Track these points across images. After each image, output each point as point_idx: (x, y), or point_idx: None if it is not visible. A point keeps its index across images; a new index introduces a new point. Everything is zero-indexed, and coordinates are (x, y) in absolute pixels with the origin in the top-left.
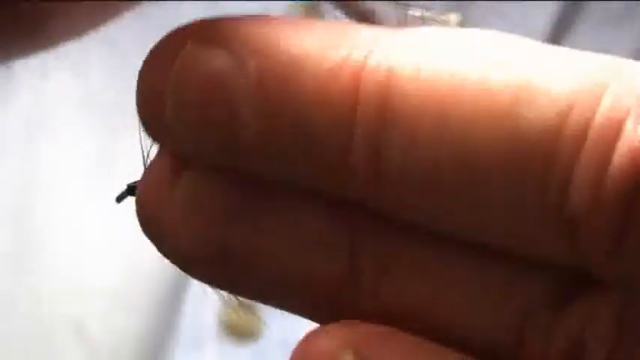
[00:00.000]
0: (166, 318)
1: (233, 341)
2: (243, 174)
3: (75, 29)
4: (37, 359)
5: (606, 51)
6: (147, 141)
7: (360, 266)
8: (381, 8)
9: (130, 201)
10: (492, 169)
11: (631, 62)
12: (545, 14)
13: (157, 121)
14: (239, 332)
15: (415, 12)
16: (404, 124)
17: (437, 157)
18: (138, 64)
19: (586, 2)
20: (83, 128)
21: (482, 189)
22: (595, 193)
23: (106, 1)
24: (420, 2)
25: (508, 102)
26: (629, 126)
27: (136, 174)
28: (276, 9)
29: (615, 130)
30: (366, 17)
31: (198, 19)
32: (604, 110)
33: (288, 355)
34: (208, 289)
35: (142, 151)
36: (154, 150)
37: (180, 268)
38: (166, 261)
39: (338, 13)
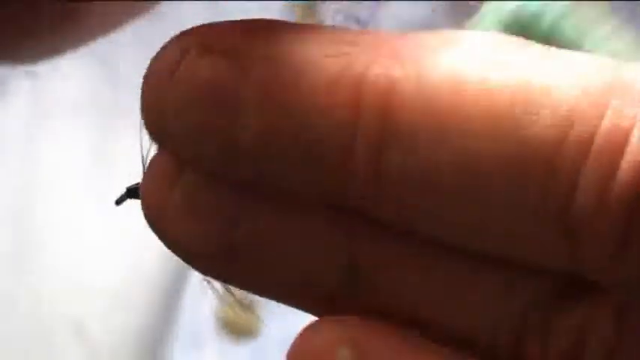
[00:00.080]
0: (165, 317)
1: (232, 339)
2: (242, 180)
3: (106, 27)
4: (37, 359)
5: None
6: (146, 141)
7: (358, 267)
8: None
9: (130, 201)
10: (493, 173)
11: (629, 64)
12: None
13: (159, 127)
14: (237, 330)
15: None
16: (405, 129)
17: (438, 162)
18: (137, 62)
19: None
20: (83, 128)
21: (483, 192)
22: (601, 197)
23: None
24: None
25: (509, 106)
26: (634, 136)
27: (136, 174)
28: (274, 9)
29: (622, 140)
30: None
31: (201, 23)
32: (609, 119)
33: None
34: (206, 288)
35: (142, 152)
36: (154, 150)
37: (185, 262)
38: (165, 261)
39: (333, 13)
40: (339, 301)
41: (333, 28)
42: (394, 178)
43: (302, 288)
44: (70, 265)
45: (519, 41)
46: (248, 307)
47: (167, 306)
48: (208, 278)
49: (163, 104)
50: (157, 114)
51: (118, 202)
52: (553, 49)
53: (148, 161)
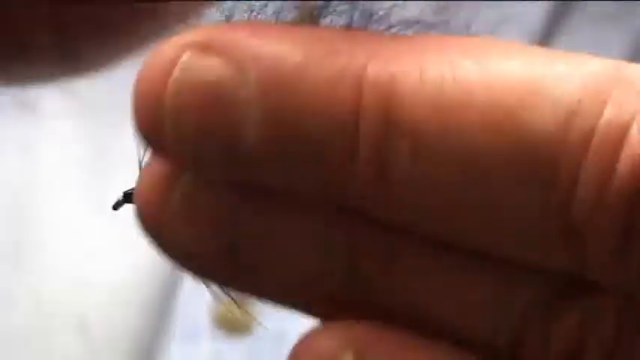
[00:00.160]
0: (162, 313)
1: (227, 335)
2: (243, 183)
3: (164, 29)
4: (37, 357)
5: (601, 49)
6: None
7: (358, 267)
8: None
9: (127, 206)
10: (496, 172)
11: (629, 64)
12: (540, 10)
13: (154, 131)
14: (232, 327)
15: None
16: (406, 128)
17: (439, 159)
18: (140, 61)
19: (582, 2)
20: (83, 128)
21: (485, 189)
22: (601, 191)
23: (194, 1)
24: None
25: (512, 106)
26: (634, 130)
27: (136, 174)
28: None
29: (621, 134)
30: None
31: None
32: (609, 114)
33: (284, 348)
34: (201, 285)
35: (138, 153)
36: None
37: (180, 265)
38: (162, 259)
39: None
40: (339, 301)
41: (333, 28)
42: (395, 178)
43: (302, 288)
44: (70, 265)
45: (519, 42)
46: (243, 304)
47: (164, 302)
48: None
49: (159, 108)
50: (152, 118)
51: (116, 207)
52: (553, 49)
53: (144, 163)
